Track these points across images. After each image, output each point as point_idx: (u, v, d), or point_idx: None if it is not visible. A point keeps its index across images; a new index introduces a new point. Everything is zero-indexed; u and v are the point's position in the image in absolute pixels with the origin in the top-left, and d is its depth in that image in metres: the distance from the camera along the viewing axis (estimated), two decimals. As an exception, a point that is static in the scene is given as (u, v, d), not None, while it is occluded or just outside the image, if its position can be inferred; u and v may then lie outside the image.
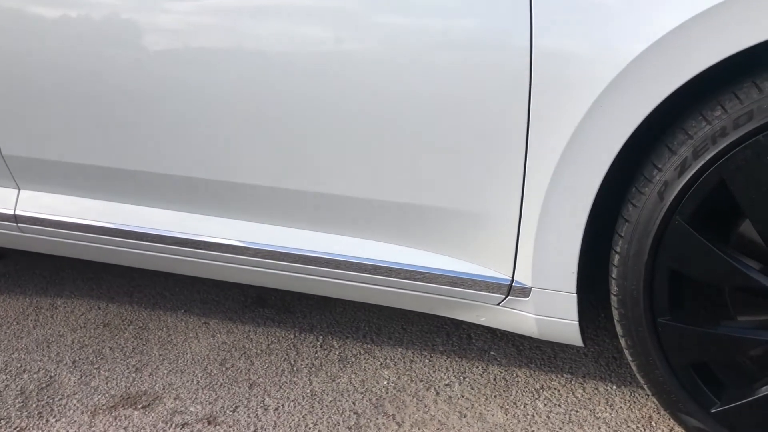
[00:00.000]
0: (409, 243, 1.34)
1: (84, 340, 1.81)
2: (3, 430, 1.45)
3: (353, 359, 1.68)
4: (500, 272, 1.28)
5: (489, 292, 1.29)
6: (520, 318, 1.31)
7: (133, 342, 1.79)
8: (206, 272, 1.62)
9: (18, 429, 1.45)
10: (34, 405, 1.54)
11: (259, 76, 1.29)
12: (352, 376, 1.61)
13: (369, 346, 1.73)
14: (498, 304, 1.32)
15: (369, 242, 1.37)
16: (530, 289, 1.25)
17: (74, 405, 1.53)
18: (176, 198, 1.51)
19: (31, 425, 1.47)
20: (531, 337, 1.71)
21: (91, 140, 1.51)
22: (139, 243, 1.57)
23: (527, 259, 1.23)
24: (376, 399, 1.52)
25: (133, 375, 1.64)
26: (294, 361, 1.68)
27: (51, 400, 1.55)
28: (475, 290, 1.30)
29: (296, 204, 1.40)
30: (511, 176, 1.18)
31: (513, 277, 1.27)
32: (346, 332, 1.80)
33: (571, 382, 1.55)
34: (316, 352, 1.71)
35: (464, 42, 1.16)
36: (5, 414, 1.51)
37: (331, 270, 1.44)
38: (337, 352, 1.71)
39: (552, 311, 1.25)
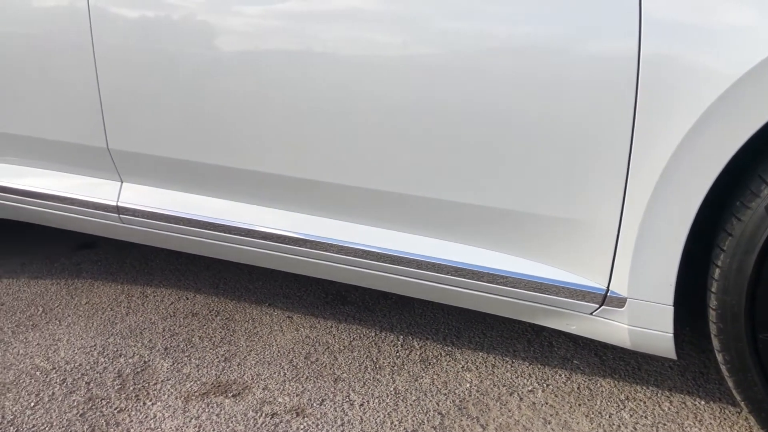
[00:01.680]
0: (502, 248, 1.36)
1: (174, 329, 1.89)
2: (104, 409, 1.53)
3: (434, 360, 1.70)
4: (595, 281, 1.28)
5: (582, 300, 1.30)
6: (612, 328, 1.30)
7: (221, 332, 1.86)
8: (297, 268, 1.66)
9: (118, 410, 1.53)
10: (131, 388, 1.61)
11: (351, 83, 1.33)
12: (435, 377, 1.63)
13: (449, 348, 1.75)
14: (591, 314, 1.32)
15: (457, 245, 1.39)
16: (626, 299, 1.25)
17: (168, 390, 1.60)
18: (272, 196, 1.56)
19: (129, 407, 1.54)
20: (614, 347, 1.70)
21: (194, 137, 1.57)
22: (234, 237, 1.63)
23: (624, 269, 1.23)
24: (460, 401, 1.53)
25: (223, 364, 1.70)
26: (376, 359, 1.71)
27: (146, 384, 1.63)
28: (568, 298, 1.31)
29: (387, 205, 1.43)
30: (613, 184, 1.19)
31: (608, 286, 1.27)
32: (426, 333, 1.82)
33: (657, 394, 1.54)
34: (398, 352, 1.74)
35: (567, 49, 1.16)
36: (105, 395, 1.59)
37: (415, 270, 1.46)
38: (418, 353, 1.73)
39: (647, 323, 1.25)
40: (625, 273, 1.23)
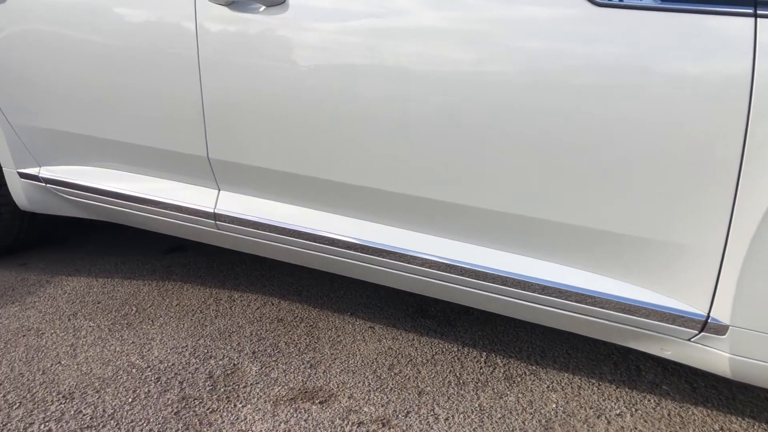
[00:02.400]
0: (598, 269, 1.34)
1: (261, 333, 1.94)
2: (197, 409, 1.59)
3: (519, 379, 1.69)
4: (695, 307, 1.26)
5: (681, 326, 1.27)
6: (712, 356, 1.27)
7: (305, 339, 1.90)
8: (383, 279, 1.69)
9: (210, 410, 1.58)
10: (222, 389, 1.67)
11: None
12: (519, 395, 1.62)
13: (534, 367, 1.74)
14: (689, 340, 1.29)
15: (552, 264, 1.39)
16: (728, 327, 1.22)
17: (257, 393, 1.65)
18: (367, 208, 1.59)
19: (221, 407, 1.59)
20: (705, 374, 1.65)
21: (291, 150, 1.62)
22: (327, 248, 1.67)
23: (727, 296, 1.20)
24: (546, 421, 1.52)
25: (309, 371, 1.74)
26: (459, 374, 1.72)
27: (236, 387, 1.68)
28: (665, 323, 1.29)
29: (477, 221, 1.44)
30: (719, 209, 1.16)
31: (709, 313, 1.24)
32: (509, 351, 1.82)
33: (753, 426, 1.49)
34: (481, 368, 1.74)
35: (676, 71, 1.15)
36: (198, 395, 1.64)
37: (502, 287, 1.46)
38: (501, 370, 1.73)
39: (750, 352, 1.21)
40: (728, 300, 1.20)
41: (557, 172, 1.28)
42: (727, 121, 1.12)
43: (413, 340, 1.89)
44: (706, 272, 1.21)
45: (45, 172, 2.17)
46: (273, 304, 2.12)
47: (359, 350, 1.84)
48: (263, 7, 1.57)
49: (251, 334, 1.93)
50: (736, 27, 1.11)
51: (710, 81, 1.13)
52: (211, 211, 1.83)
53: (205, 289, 2.23)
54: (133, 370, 1.76)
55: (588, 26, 1.22)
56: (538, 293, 1.41)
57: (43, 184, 2.18)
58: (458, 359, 1.79)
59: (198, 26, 1.66)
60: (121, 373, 1.75)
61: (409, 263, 1.57)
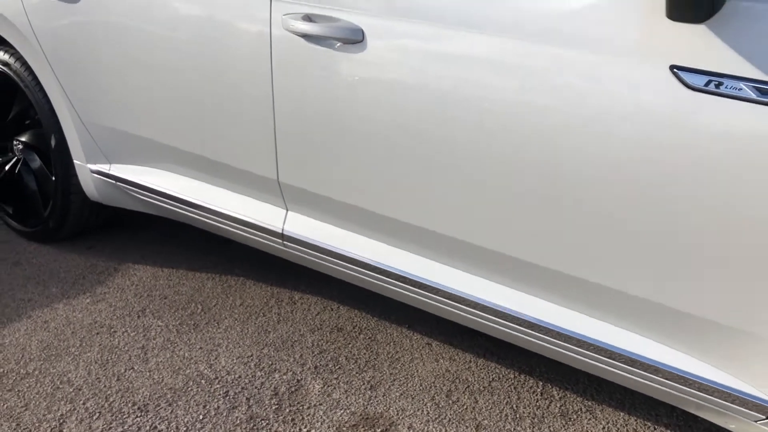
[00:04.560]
0: (672, 342, 1.35)
1: (322, 344, 2.00)
2: (264, 430, 1.67)
3: (575, 416, 1.73)
4: (765, 393, 1.26)
5: (748, 409, 1.28)
6: (777, 439, 1.29)
7: (365, 354, 1.96)
8: (439, 312, 1.72)
9: (276, 432, 1.66)
10: (287, 409, 1.74)
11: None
12: (575, 435, 1.66)
13: (590, 403, 1.77)
14: (756, 422, 1.30)
15: (629, 333, 1.40)
16: (797, 418, 1.23)
17: (321, 417, 1.72)
18: (437, 250, 1.61)
19: (286, 430, 1.67)
20: None
21: (360, 184, 1.64)
22: (395, 283, 1.70)
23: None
24: (601, 468, 1.56)
25: (369, 392, 1.80)
26: (516, 406, 1.76)
27: (300, 407, 1.75)
28: (733, 404, 1.30)
29: (547, 279, 1.45)
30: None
31: (780, 402, 1.25)
32: (565, 383, 1.85)
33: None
34: (537, 401, 1.78)
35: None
36: (264, 414, 1.72)
37: (574, 347, 1.48)
38: (557, 405, 1.77)
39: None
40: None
41: (663, 255, 1.28)
42: None
43: (470, 362, 1.93)
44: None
45: (115, 170, 2.22)
46: (332, 310, 2.18)
47: (417, 371, 1.89)
48: (339, 44, 1.55)
49: (312, 345, 2.00)
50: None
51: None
52: (279, 231, 1.87)
53: (267, 288, 2.30)
54: (203, 381, 1.84)
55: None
56: (626, 364, 1.42)
57: (113, 182, 2.24)
58: (515, 388, 1.83)
59: (273, 53, 1.65)
60: (191, 384, 1.83)
61: (478, 310, 1.59)
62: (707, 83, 1.16)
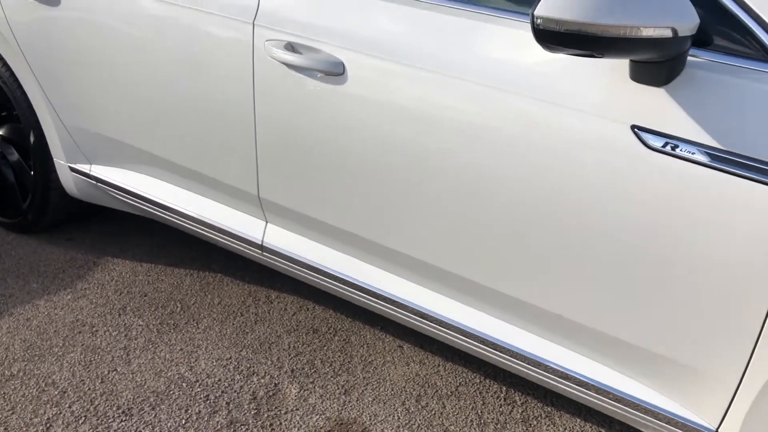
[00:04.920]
0: (621, 368, 1.47)
1: (298, 347, 2.10)
2: (244, 436, 1.77)
3: (535, 422, 1.86)
4: (706, 421, 1.39)
5: (690, 434, 1.41)
6: (714, 462, 1.42)
7: (340, 357, 2.06)
8: (407, 324, 1.82)
9: (255, 438, 1.77)
10: (265, 414, 1.84)
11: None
12: (534, 441, 1.79)
13: (549, 409, 1.90)
14: (696, 445, 1.44)
15: (582, 358, 1.52)
16: (732, 444, 1.36)
17: (297, 422, 1.82)
18: (415, 273, 1.70)
19: (265, 436, 1.77)
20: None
21: (341, 205, 1.71)
22: (376, 302, 1.79)
23: (738, 416, 1.33)
24: (556, 475, 1.70)
25: (343, 397, 1.91)
26: (481, 412, 1.88)
27: (278, 412, 1.85)
28: (675, 428, 1.43)
29: (523, 310, 1.56)
30: (744, 340, 1.27)
31: (718, 429, 1.38)
32: (527, 388, 1.97)
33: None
34: (501, 406, 1.91)
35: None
36: (244, 419, 1.82)
37: (543, 373, 1.60)
38: (519, 411, 1.89)
39: (749, 469, 1.36)
40: (738, 420, 1.33)
41: (624, 292, 1.39)
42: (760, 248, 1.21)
43: (439, 365, 2.04)
44: (722, 392, 1.34)
45: (96, 171, 2.26)
46: (308, 310, 2.27)
47: (389, 375, 2.00)
48: (321, 74, 1.60)
49: (289, 347, 2.09)
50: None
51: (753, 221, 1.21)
52: (259, 242, 1.94)
53: (244, 285, 2.38)
54: (184, 385, 1.93)
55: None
56: (582, 387, 1.54)
57: (94, 182, 2.28)
58: (480, 393, 1.95)
59: (255, 77, 1.70)
60: (173, 387, 1.92)
61: (442, 327, 1.70)
62: (664, 145, 1.25)
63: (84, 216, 2.72)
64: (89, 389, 1.90)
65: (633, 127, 1.28)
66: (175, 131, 1.94)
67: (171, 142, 1.97)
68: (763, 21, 1.22)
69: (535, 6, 1.12)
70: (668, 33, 1.13)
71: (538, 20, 1.12)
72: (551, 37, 1.13)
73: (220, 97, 1.79)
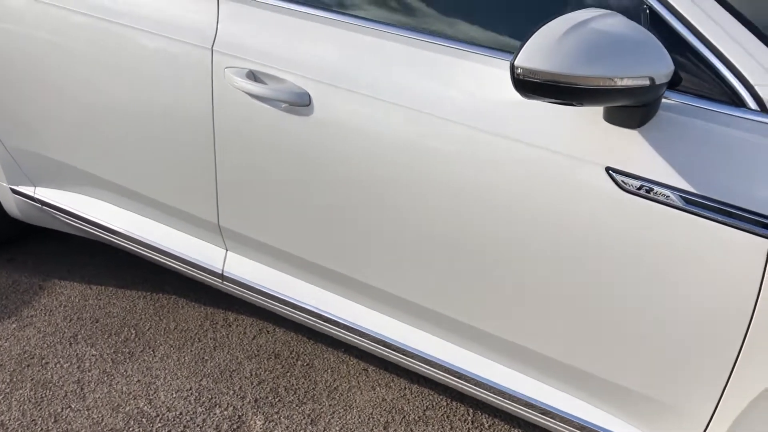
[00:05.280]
0: (591, 401, 1.49)
1: (261, 373, 2.05)
2: (209, 474, 1.72)
3: (502, 446, 1.87)
4: (675, 453, 1.42)
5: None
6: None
7: (304, 384, 2.02)
8: (372, 352, 1.80)
9: (222, 476, 1.72)
10: (231, 450, 1.80)
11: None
12: (503, 466, 1.80)
13: (516, 431, 1.92)
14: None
15: (548, 387, 1.53)
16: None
17: (264, 456, 1.78)
18: (378, 302, 1.67)
19: (231, 473, 1.73)
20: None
21: (302, 235, 1.67)
22: (340, 331, 1.76)
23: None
24: (527, 501, 1.71)
25: (310, 427, 1.88)
26: (449, 436, 1.88)
27: (244, 446, 1.81)
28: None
29: (482, 339, 1.55)
30: (715, 378, 1.29)
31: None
32: (494, 409, 1.98)
33: None
34: (469, 430, 1.91)
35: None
36: (208, 456, 1.77)
37: (508, 402, 1.60)
38: (487, 434, 1.90)
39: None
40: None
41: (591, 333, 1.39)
42: (739, 288, 1.23)
43: (405, 389, 2.03)
44: (695, 427, 1.36)
45: (41, 193, 2.15)
46: (269, 332, 2.22)
47: (355, 401, 1.98)
48: (285, 105, 1.55)
49: (251, 374, 2.04)
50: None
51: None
52: (219, 272, 1.88)
53: (201, 308, 2.31)
54: (144, 420, 1.86)
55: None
56: (541, 414, 1.55)
57: (39, 205, 2.16)
58: (447, 417, 1.94)
59: (215, 105, 1.64)
60: (132, 423, 1.85)
61: (417, 362, 1.68)
62: (639, 187, 1.26)
63: (27, 233, 2.59)
64: (42, 430, 1.81)
65: (608, 169, 1.28)
66: (130, 157, 1.85)
67: (126, 168, 1.88)
68: (733, 66, 1.23)
69: (515, 56, 1.10)
70: (645, 82, 1.13)
71: (518, 70, 1.10)
72: (530, 86, 1.11)
73: (178, 125, 1.72)
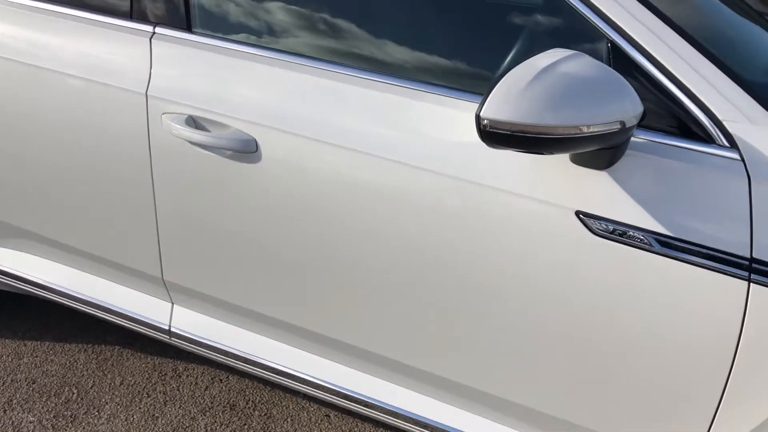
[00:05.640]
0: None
1: (216, 428, 1.93)
2: None
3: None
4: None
5: None
6: None
7: (263, 437, 1.91)
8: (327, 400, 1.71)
9: None
10: None
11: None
12: None
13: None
14: None
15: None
16: None
17: None
18: (334, 351, 1.58)
19: None
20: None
21: (245, 286, 1.57)
22: (296, 384, 1.66)
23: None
24: None
25: (273, 486, 1.77)
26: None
27: None
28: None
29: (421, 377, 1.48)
30: (697, 424, 1.25)
31: None
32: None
33: None
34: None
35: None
36: None
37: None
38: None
39: None
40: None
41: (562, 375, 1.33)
42: (717, 332, 1.18)
43: (370, 433, 1.94)
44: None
45: (-38, 249, 1.97)
46: (222, 381, 2.10)
47: (319, 452, 1.88)
48: (230, 152, 1.45)
49: (206, 430, 1.92)
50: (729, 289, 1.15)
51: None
52: (166, 327, 1.75)
53: (147, 359, 2.17)
54: (91, 494, 1.72)
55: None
56: None
57: (-39, 262, 1.99)
58: (416, 462, 1.86)
59: (152, 154, 1.52)
60: (78, 498, 1.70)
61: (379, 412, 1.60)
62: (612, 231, 1.20)
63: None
64: None
65: (578, 213, 1.22)
66: (65, 211, 1.71)
67: (61, 222, 1.74)
68: (700, 101, 1.19)
69: (481, 106, 1.03)
70: (616, 127, 1.07)
71: (485, 121, 1.03)
72: (498, 138, 1.04)
73: (116, 176, 1.59)
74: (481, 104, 1.03)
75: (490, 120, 1.02)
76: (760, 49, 1.52)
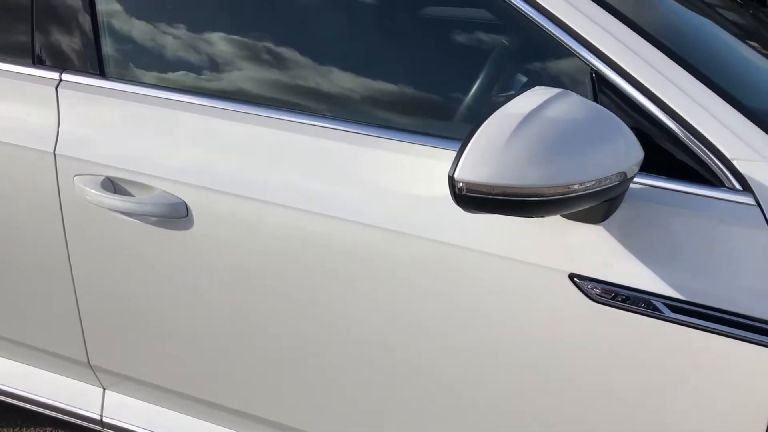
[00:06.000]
0: None
1: None
2: None
3: None
4: None
5: None
6: None
7: None
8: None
9: None
10: None
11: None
12: None
13: None
14: None
15: None
16: None
17: None
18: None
19: None
20: None
21: (174, 367, 1.35)
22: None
23: None
24: None
25: None
26: None
27: None
28: None
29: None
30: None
31: None
32: None
33: None
34: None
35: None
36: None
37: None
38: None
39: None
40: None
41: None
42: None
43: None
44: None
45: None
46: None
47: None
48: (156, 219, 1.23)
49: None
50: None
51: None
52: (97, 417, 1.52)
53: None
54: None
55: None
56: None
57: None
58: None
59: (66, 224, 1.30)
60: None
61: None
62: (613, 296, 1.01)
63: None
64: None
65: (572, 276, 1.02)
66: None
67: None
68: (705, 138, 1.01)
69: (454, 166, 0.84)
70: (615, 181, 0.89)
71: (459, 184, 0.83)
72: (475, 202, 0.85)
73: (30, 250, 1.37)
74: (455, 163, 0.83)
75: (465, 182, 0.83)
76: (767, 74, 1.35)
